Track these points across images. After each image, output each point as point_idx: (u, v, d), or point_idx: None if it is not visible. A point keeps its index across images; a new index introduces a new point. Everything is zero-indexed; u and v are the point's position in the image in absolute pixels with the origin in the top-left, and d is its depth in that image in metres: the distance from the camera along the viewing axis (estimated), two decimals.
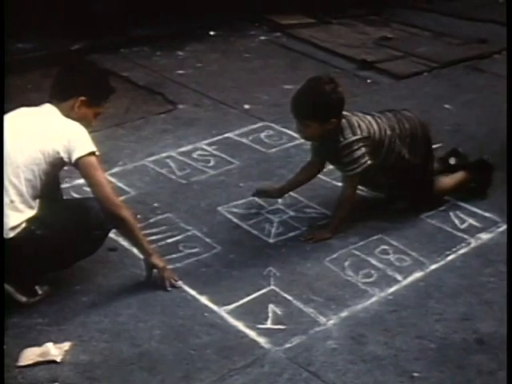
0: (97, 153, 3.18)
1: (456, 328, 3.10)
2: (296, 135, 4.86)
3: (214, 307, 3.20)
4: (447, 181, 4.04)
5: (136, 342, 2.98)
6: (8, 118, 3.23)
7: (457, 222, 3.89)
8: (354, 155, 3.59)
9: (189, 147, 4.72)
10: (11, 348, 2.93)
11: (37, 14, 6.07)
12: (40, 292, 3.23)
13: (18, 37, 6.18)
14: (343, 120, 3.60)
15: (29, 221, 3.10)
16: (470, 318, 3.15)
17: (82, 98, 3.24)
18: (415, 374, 2.84)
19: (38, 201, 3.17)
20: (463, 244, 3.69)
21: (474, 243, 3.70)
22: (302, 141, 4.76)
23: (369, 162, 3.61)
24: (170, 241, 3.67)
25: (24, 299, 3.19)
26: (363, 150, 3.59)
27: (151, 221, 3.83)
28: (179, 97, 5.55)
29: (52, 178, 3.25)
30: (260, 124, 5.09)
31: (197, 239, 3.70)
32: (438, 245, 3.68)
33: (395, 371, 2.85)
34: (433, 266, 3.51)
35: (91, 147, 3.16)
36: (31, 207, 3.13)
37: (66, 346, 2.94)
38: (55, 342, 2.96)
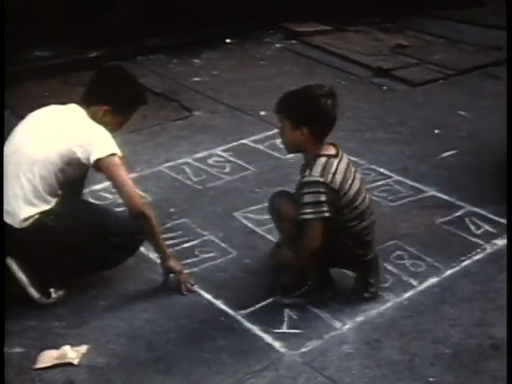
0: (119, 154, 3.20)
1: (471, 333, 3.10)
2: None
3: (230, 311, 3.22)
4: None
5: (152, 346, 3.00)
6: (34, 114, 3.31)
7: (472, 227, 3.89)
8: (312, 198, 3.06)
9: (204, 153, 4.75)
10: (29, 351, 2.97)
11: (54, 22, 6.13)
12: (54, 295, 3.26)
13: (35, 45, 6.25)
14: (322, 158, 3.10)
15: (43, 213, 3.15)
16: (485, 323, 3.15)
17: (106, 108, 3.29)
18: (430, 379, 2.84)
19: (56, 198, 3.21)
20: (478, 250, 3.69)
21: (489, 249, 3.70)
22: None
23: (326, 214, 3.05)
24: (186, 245, 3.70)
25: (37, 295, 3.22)
26: (323, 198, 3.05)
27: (167, 226, 3.86)
28: (195, 104, 5.59)
29: (74, 177, 3.28)
30: (275, 130, 5.03)
31: (213, 244, 3.72)
32: (454, 250, 3.68)
33: (410, 376, 2.86)
34: (448, 272, 3.51)
35: (112, 149, 3.19)
36: (46, 202, 3.18)
37: (83, 349, 2.97)
38: (72, 345, 2.98)
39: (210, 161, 4.65)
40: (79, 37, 6.30)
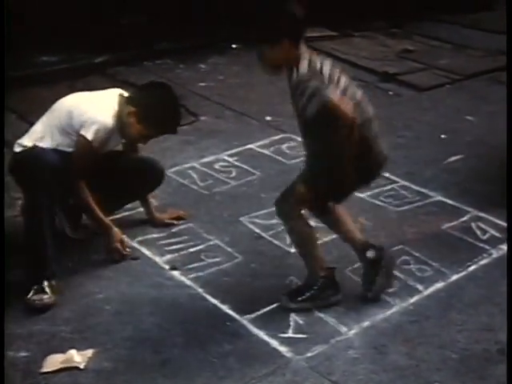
0: (89, 138, 3.43)
1: (478, 338, 3.09)
2: None
3: (236, 316, 3.22)
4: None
5: (159, 350, 3.01)
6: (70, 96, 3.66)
7: (478, 232, 3.89)
8: (316, 85, 2.94)
9: (211, 158, 4.76)
10: (35, 355, 2.97)
11: (62, 27, 6.15)
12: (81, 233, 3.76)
13: (43, 50, 6.27)
14: (304, 56, 3.02)
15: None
16: (492, 328, 3.15)
17: (133, 109, 3.47)
18: None
19: (54, 142, 3.50)
20: (485, 255, 3.68)
21: (495, 254, 3.69)
22: None
23: (331, 93, 2.93)
24: (192, 250, 3.71)
25: (67, 229, 3.73)
26: (323, 85, 2.94)
27: (173, 230, 3.87)
28: (201, 109, 5.59)
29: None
30: (281, 135, 5.12)
31: (219, 249, 3.73)
32: (460, 255, 3.67)
33: (417, 381, 2.85)
34: (454, 277, 3.51)
35: (89, 135, 3.42)
36: (45, 141, 3.48)
37: (89, 353, 2.97)
38: (79, 349, 2.99)
39: (216, 166, 4.66)
40: (86, 42, 6.31)
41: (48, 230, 3.33)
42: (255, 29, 3.13)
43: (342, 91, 3.01)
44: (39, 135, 3.50)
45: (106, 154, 3.57)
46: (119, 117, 3.51)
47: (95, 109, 3.48)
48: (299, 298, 3.25)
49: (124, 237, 3.64)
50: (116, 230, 3.61)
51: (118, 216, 3.92)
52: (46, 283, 3.28)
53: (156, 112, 3.49)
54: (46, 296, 3.25)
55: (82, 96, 3.65)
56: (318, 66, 3.02)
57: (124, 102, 3.55)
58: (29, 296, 3.25)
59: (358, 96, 3.11)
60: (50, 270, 3.33)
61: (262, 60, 3.13)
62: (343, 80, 3.07)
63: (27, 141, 3.51)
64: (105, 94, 3.64)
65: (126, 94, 3.61)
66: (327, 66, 3.05)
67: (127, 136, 3.58)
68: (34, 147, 3.45)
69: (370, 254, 3.28)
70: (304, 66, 2.99)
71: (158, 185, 3.91)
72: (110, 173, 3.62)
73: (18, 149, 3.52)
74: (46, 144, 3.47)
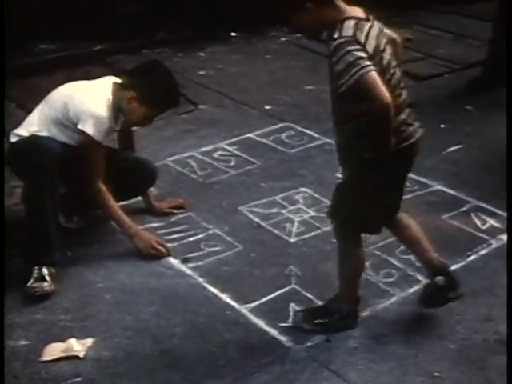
0: (91, 134, 3.39)
1: (477, 329, 3.09)
2: (317, 135, 4.91)
3: (236, 305, 3.22)
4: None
5: (158, 340, 3.01)
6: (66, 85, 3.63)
7: (478, 223, 3.89)
8: (353, 57, 2.57)
9: (210, 147, 4.75)
10: (35, 344, 2.98)
11: (60, 14, 6.12)
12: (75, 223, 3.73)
13: (41, 38, 6.25)
14: (351, 20, 2.67)
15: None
16: (492, 318, 3.15)
17: (133, 94, 3.44)
18: (436, 374, 2.84)
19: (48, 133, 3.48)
20: (484, 245, 3.69)
21: (495, 244, 3.69)
22: (324, 141, 4.82)
23: (372, 68, 2.57)
24: (191, 239, 3.70)
25: (61, 219, 3.65)
26: (364, 54, 2.59)
27: (173, 220, 3.87)
28: (200, 97, 5.58)
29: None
30: (281, 124, 5.11)
31: (218, 238, 3.72)
32: (459, 246, 3.67)
33: (416, 371, 2.86)
34: (454, 267, 3.49)
35: (88, 129, 3.39)
36: (39, 130, 3.46)
37: (89, 342, 2.98)
38: (78, 338, 2.99)
39: (215, 154, 4.65)
40: (84, 30, 6.28)
41: (51, 217, 3.33)
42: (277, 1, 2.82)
43: (384, 68, 2.68)
44: (35, 126, 3.48)
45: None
46: (118, 105, 3.49)
47: (90, 100, 3.43)
48: (316, 321, 3.07)
49: (154, 237, 3.62)
50: (144, 232, 3.61)
51: None
52: (46, 271, 3.28)
53: (157, 90, 3.46)
54: (46, 284, 3.25)
55: (76, 86, 3.61)
56: (365, 31, 2.65)
57: (119, 89, 3.52)
58: (29, 284, 3.25)
59: (397, 77, 2.78)
60: (51, 257, 3.33)
61: (297, 29, 2.91)
62: (387, 53, 2.73)
63: (23, 131, 3.49)
64: (98, 83, 3.60)
65: (119, 81, 3.58)
66: (374, 33, 2.68)
67: (132, 122, 3.58)
68: (33, 136, 3.44)
69: (440, 280, 3.07)
70: (346, 31, 2.62)
71: (151, 185, 3.90)
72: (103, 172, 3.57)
73: (14, 139, 3.50)
74: (42, 134, 3.45)
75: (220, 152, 4.69)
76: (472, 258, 3.59)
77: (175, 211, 3.93)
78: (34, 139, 3.42)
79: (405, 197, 4.09)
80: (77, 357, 2.90)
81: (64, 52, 6.27)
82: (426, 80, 6.07)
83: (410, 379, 2.82)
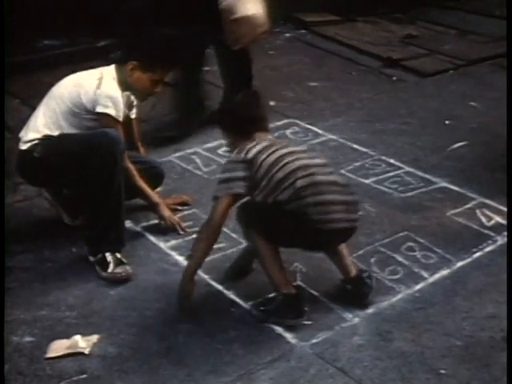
0: (113, 115, 3.41)
1: (483, 326, 3.09)
2: (321, 132, 4.90)
3: (241, 302, 3.21)
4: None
5: (164, 336, 3.00)
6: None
7: (483, 219, 3.88)
8: (226, 175, 3.08)
9: (214, 143, 4.74)
10: (40, 340, 2.97)
11: (64, 10, 6.11)
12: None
13: (44, 34, 6.23)
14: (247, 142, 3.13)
15: (42, 138, 3.44)
16: (497, 315, 3.14)
17: (134, 62, 3.48)
18: (442, 371, 2.83)
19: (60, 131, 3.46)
20: (490, 242, 3.68)
21: (500, 241, 3.68)
22: (328, 137, 4.82)
23: (239, 190, 3.05)
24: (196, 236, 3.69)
25: (67, 219, 3.73)
26: (239, 174, 3.04)
27: (177, 216, 3.85)
28: (205, 93, 5.54)
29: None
30: (285, 121, 5.09)
31: (223, 235, 3.67)
32: (465, 242, 3.67)
33: (422, 368, 2.85)
34: (459, 264, 3.50)
35: (110, 111, 3.40)
36: (50, 130, 3.44)
37: (94, 338, 2.97)
38: (83, 334, 2.99)
39: (219, 151, 4.64)
40: (89, 26, 6.27)
41: (123, 205, 3.42)
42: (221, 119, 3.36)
43: (274, 161, 3.04)
44: (45, 127, 3.44)
45: None
46: (124, 81, 3.51)
47: (100, 84, 3.44)
48: (261, 308, 3.13)
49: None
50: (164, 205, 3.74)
51: None
52: (119, 255, 3.38)
53: (154, 51, 3.51)
54: (127, 267, 3.36)
55: (78, 76, 3.59)
56: (253, 147, 3.09)
57: (119, 67, 3.55)
58: (110, 270, 3.33)
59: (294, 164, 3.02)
60: (123, 242, 3.44)
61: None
62: (282, 150, 3.09)
63: (35, 135, 3.44)
64: (100, 69, 3.59)
65: (115, 65, 3.59)
66: (264, 144, 3.11)
67: (141, 91, 3.58)
68: (66, 134, 3.42)
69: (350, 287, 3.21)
70: (238, 151, 3.11)
71: (158, 186, 3.90)
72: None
73: (25, 146, 3.45)
74: (55, 132, 3.43)
75: (224, 148, 4.67)
76: (478, 254, 3.58)
77: (180, 208, 3.92)
78: (80, 136, 3.39)
79: (410, 193, 4.14)
80: (82, 353, 2.89)
81: (67, 48, 6.26)
82: (430, 76, 6.06)
83: (415, 376, 2.81)
